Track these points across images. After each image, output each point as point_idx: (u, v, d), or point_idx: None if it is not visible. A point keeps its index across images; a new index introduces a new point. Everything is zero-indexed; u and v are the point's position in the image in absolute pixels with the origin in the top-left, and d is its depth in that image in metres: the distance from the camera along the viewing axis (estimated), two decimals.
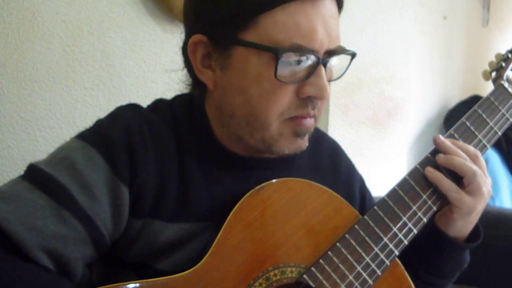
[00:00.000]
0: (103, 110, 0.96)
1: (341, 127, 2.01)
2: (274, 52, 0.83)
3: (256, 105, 0.87)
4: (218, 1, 0.87)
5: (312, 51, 0.84)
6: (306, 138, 0.92)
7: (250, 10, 0.84)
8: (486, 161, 2.32)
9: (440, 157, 0.98)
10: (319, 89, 0.86)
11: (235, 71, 0.87)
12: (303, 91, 0.86)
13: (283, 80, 0.84)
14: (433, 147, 1.00)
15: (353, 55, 0.92)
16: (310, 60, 0.85)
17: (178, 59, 0.98)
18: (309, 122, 0.90)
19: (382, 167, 2.13)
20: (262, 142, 0.90)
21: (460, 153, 0.97)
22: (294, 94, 0.87)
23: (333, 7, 0.88)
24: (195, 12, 0.91)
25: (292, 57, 0.84)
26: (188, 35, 0.92)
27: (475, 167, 0.96)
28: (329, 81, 0.90)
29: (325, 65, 0.86)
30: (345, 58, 0.92)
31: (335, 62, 0.90)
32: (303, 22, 0.83)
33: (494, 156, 2.45)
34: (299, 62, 0.85)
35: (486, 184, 0.97)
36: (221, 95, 0.92)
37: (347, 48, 0.91)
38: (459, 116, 1.05)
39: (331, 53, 0.87)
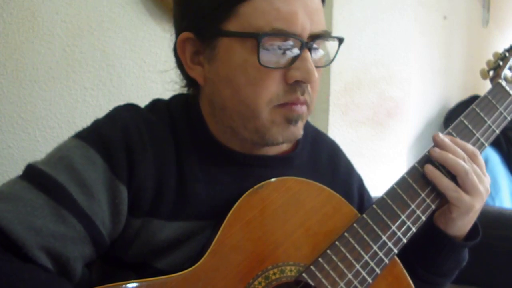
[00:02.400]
0: (103, 110, 0.96)
1: (341, 127, 2.01)
2: (255, 38, 0.84)
3: (244, 94, 0.88)
4: None
5: (294, 35, 0.85)
6: (300, 125, 0.92)
7: (230, 0, 0.85)
8: (486, 161, 2.33)
9: (435, 151, 0.98)
10: (305, 73, 0.86)
11: (221, 62, 0.89)
12: (289, 75, 0.87)
13: (268, 65, 0.85)
14: (432, 145, 1.00)
15: (340, 40, 0.93)
16: (294, 44, 0.86)
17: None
18: (300, 109, 0.90)
19: (382, 167, 2.13)
20: (255, 132, 0.90)
21: (459, 151, 0.97)
22: (281, 80, 0.87)
23: None
24: (181, 11, 0.94)
25: (275, 42, 0.85)
26: (176, 35, 0.94)
27: (467, 166, 0.96)
28: (318, 67, 0.90)
29: (310, 49, 0.87)
30: (333, 45, 0.93)
31: (325, 48, 0.91)
32: (282, 7, 0.84)
33: (494, 156, 2.45)
34: (283, 47, 0.86)
35: (483, 183, 0.97)
36: (211, 89, 0.93)
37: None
38: (459, 116, 1.05)
39: (315, 37, 0.88)
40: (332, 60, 0.95)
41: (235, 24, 0.86)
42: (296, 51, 0.86)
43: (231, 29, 0.86)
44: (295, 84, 0.87)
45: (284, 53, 0.86)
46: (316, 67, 0.89)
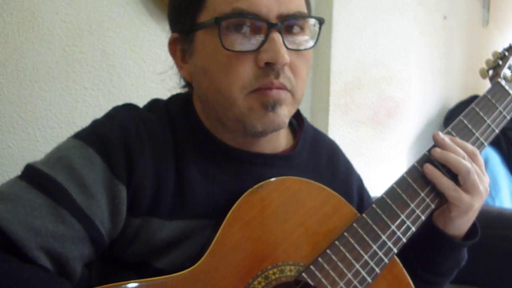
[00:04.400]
0: (103, 110, 0.96)
1: (341, 127, 2.01)
2: (216, 23, 0.84)
3: (218, 82, 0.88)
4: None
5: (257, 15, 0.84)
6: (280, 112, 0.89)
7: None
8: (486, 161, 2.33)
9: (436, 151, 0.98)
10: (273, 53, 0.84)
11: (197, 54, 0.90)
12: (259, 58, 0.86)
13: (233, 49, 0.85)
14: (432, 144, 1.00)
15: (320, 21, 0.91)
16: (262, 27, 0.85)
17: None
18: (276, 93, 0.87)
19: (382, 167, 2.13)
20: (236, 121, 0.90)
21: (459, 151, 0.97)
22: (253, 65, 0.86)
23: None
24: (169, 13, 0.97)
25: (238, 24, 0.85)
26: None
27: (469, 165, 0.96)
28: (299, 50, 0.89)
29: (279, 31, 0.85)
30: (315, 27, 0.91)
31: (306, 32, 0.90)
32: None
33: (494, 156, 2.45)
34: (248, 29, 0.85)
35: (483, 182, 0.97)
36: (196, 84, 0.94)
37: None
38: (459, 116, 1.05)
39: (285, 18, 0.86)
40: (315, 43, 0.92)
41: (206, 15, 0.87)
42: (263, 31, 0.85)
43: (202, 20, 0.88)
44: (267, 67, 0.86)
45: (251, 35, 0.85)
46: (296, 49, 0.88)
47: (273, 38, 0.85)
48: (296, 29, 0.89)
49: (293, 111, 0.93)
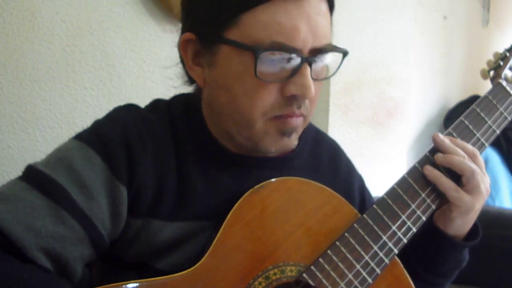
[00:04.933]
0: (103, 110, 0.96)
1: (341, 127, 2.01)
2: (253, 51, 0.83)
3: (240, 104, 0.87)
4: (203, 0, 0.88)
5: (294, 49, 0.83)
6: (294, 137, 0.92)
7: (232, 9, 0.84)
8: (486, 161, 2.32)
9: (439, 157, 0.98)
10: (302, 88, 0.85)
11: (220, 69, 0.88)
12: (286, 90, 0.86)
13: (264, 79, 0.84)
14: (432, 145, 1.00)
15: (344, 53, 0.91)
16: (294, 58, 0.85)
17: (178, 59, 0.98)
18: (295, 121, 0.89)
19: (382, 167, 2.13)
20: (249, 140, 0.90)
21: (459, 152, 0.97)
22: (278, 93, 0.86)
23: (320, 5, 0.86)
24: (185, 11, 0.93)
25: (274, 56, 0.84)
26: (181, 33, 0.93)
27: (473, 166, 0.96)
28: (320, 79, 0.90)
29: (310, 64, 0.85)
30: (338, 56, 0.91)
31: (327, 60, 0.90)
32: (284, 20, 0.82)
33: (494, 156, 2.45)
34: (281, 61, 0.84)
35: (484, 183, 0.97)
36: (209, 93, 0.93)
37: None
38: (459, 116, 1.05)
39: (317, 51, 0.86)
40: (335, 72, 0.93)
41: (236, 34, 0.85)
42: (295, 65, 0.85)
43: (231, 37, 0.85)
44: (292, 98, 0.87)
45: (282, 66, 0.85)
46: (316, 80, 0.88)
47: (303, 72, 0.85)
48: (320, 59, 0.89)
49: (301, 131, 0.95)
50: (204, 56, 0.90)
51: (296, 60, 0.85)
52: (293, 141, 0.92)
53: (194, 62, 0.92)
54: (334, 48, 0.89)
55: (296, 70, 0.85)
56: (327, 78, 0.93)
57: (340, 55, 0.91)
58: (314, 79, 0.87)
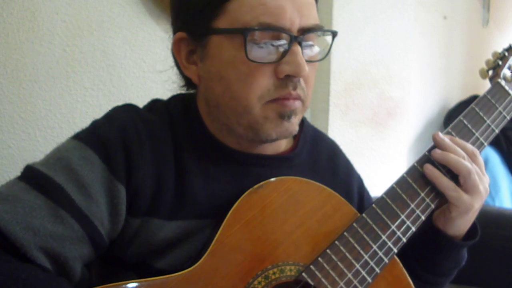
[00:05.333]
0: (103, 110, 0.96)
1: (341, 127, 2.01)
2: (242, 33, 0.84)
3: (235, 90, 0.88)
4: None
5: (282, 28, 0.85)
6: (294, 121, 0.91)
7: None
8: (486, 161, 2.32)
9: (437, 152, 0.98)
10: (294, 66, 0.86)
11: (212, 59, 0.89)
12: (279, 70, 0.87)
13: (256, 60, 0.85)
14: (431, 145, 1.00)
15: (333, 34, 0.92)
16: (284, 38, 0.86)
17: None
18: (292, 104, 0.89)
19: (382, 167, 2.13)
20: (249, 128, 0.91)
21: (459, 151, 0.97)
22: (272, 75, 0.87)
23: None
24: (174, 11, 0.95)
25: (263, 37, 0.85)
26: (173, 35, 0.95)
27: (470, 165, 0.96)
28: (312, 61, 0.90)
29: (300, 43, 0.86)
30: (328, 39, 0.93)
31: (318, 44, 0.91)
32: (269, 1, 0.84)
33: (494, 156, 2.45)
34: (271, 41, 0.86)
35: (483, 182, 0.97)
36: (205, 87, 0.93)
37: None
38: (459, 116, 1.05)
39: (305, 31, 0.87)
40: (327, 53, 0.94)
41: (224, 21, 0.86)
42: (285, 45, 0.86)
43: (220, 26, 0.87)
44: (286, 78, 0.87)
45: (273, 47, 0.86)
46: (310, 61, 0.89)
47: (294, 51, 0.86)
48: (310, 40, 0.90)
49: (301, 117, 0.96)
50: (197, 52, 0.91)
51: (286, 40, 0.86)
52: (293, 125, 0.92)
53: (188, 61, 0.93)
54: (323, 28, 0.90)
55: (287, 50, 0.86)
56: (320, 60, 0.93)
57: (330, 38, 0.93)
58: (307, 60, 0.88)
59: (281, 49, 0.86)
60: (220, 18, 0.87)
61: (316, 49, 0.92)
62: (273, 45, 0.86)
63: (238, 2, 0.85)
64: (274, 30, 0.85)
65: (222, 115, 0.93)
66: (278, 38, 0.86)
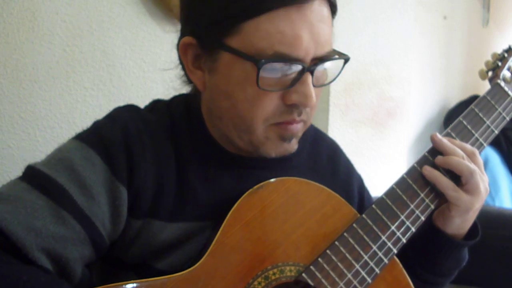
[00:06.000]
0: (103, 110, 0.96)
1: (341, 127, 2.01)
2: (255, 62, 0.82)
3: (241, 110, 0.87)
4: (204, 5, 0.86)
5: (297, 59, 0.83)
6: (294, 141, 0.92)
7: (234, 17, 0.83)
8: (486, 161, 2.32)
9: (439, 159, 0.98)
10: (303, 97, 0.85)
11: (221, 75, 0.87)
12: (288, 98, 0.85)
13: (266, 88, 0.84)
14: (431, 145, 1.00)
15: (345, 60, 0.90)
16: (296, 67, 0.84)
17: (177, 61, 0.98)
18: (295, 128, 0.90)
19: (382, 167, 2.13)
20: (249, 144, 0.91)
21: (458, 151, 0.97)
22: (279, 101, 0.86)
23: (323, 11, 0.85)
24: (185, 14, 0.92)
25: (276, 65, 0.83)
26: (181, 35, 0.92)
27: (472, 166, 0.96)
28: (321, 86, 0.89)
29: (312, 72, 0.85)
30: (339, 61, 0.90)
31: (328, 65, 0.89)
32: (286, 30, 0.81)
33: (494, 156, 2.45)
34: (284, 69, 0.84)
35: (483, 182, 0.97)
36: (209, 97, 0.92)
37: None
38: (459, 116, 1.05)
39: (319, 59, 0.85)
40: (335, 77, 0.92)
41: (238, 41, 0.83)
42: (297, 73, 0.84)
43: (233, 45, 0.84)
44: (293, 105, 0.86)
45: (284, 74, 0.84)
46: (317, 86, 0.87)
47: (305, 81, 0.84)
48: (321, 66, 0.88)
49: (300, 135, 0.95)
50: (204, 61, 0.89)
51: (297, 69, 0.84)
52: (293, 145, 0.92)
53: (194, 66, 0.91)
54: (334, 55, 0.88)
55: (298, 79, 0.84)
56: (327, 84, 0.92)
57: (341, 60, 0.91)
58: (315, 86, 0.86)
59: (291, 77, 0.85)
60: (234, 37, 0.83)
61: (323, 69, 0.90)
62: (283, 72, 0.84)
63: (255, 25, 0.82)
64: (289, 62, 0.83)
65: (224, 127, 0.92)
66: (291, 66, 0.84)
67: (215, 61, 0.87)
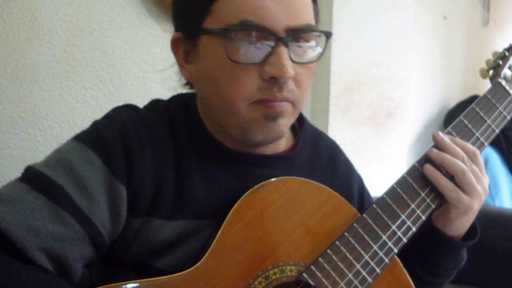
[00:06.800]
0: (103, 110, 0.96)
1: (341, 127, 2.01)
2: (221, 33, 0.83)
3: (222, 90, 0.87)
4: None
5: (264, 28, 0.83)
6: (281, 122, 0.89)
7: None
8: (486, 161, 2.32)
9: (433, 152, 0.98)
10: (278, 69, 0.84)
11: (202, 59, 0.89)
12: (264, 71, 0.85)
13: (238, 60, 0.84)
14: (432, 144, 1.00)
15: (327, 35, 0.90)
16: (269, 39, 0.84)
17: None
18: (278, 106, 0.88)
19: (382, 167, 2.13)
20: (237, 129, 0.90)
21: (458, 151, 0.97)
22: (258, 77, 0.86)
23: None
24: (173, 11, 0.95)
25: (245, 36, 0.84)
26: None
27: (464, 166, 0.95)
28: (303, 62, 0.88)
29: (285, 44, 0.84)
30: (322, 40, 0.90)
31: (311, 43, 0.88)
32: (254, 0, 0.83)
33: (494, 156, 2.45)
34: (255, 41, 0.84)
35: (482, 183, 0.97)
36: (199, 86, 0.94)
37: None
38: (459, 116, 1.05)
39: (294, 31, 0.85)
40: (321, 55, 0.91)
41: (211, 22, 0.86)
42: (270, 45, 0.84)
43: (208, 27, 0.86)
44: (272, 80, 0.85)
45: (258, 48, 0.84)
46: (298, 62, 0.87)
47: (279, 52, 0.84)
48: (302, 41, 0.88)
49: (293, 120, 0.94)
50: (191, 51, 0.91)
51: (271, 41, 0.84)
52: (280, 126, 0.90)
53: (186, 61, 0.93)
54: (314, 29, 0.88)
55: (272, 51, 0.84)
56: (311, 62, 0.90)
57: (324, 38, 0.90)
58: (295, 62, 0.86)
59: (266, 50, 0.85)
60: (208, 19, 0.86)
61: (312, 50, 0.89)
62: (257, 46, 0.84)
63: (225, 1, 0.84)
64: (256, 29, 0.83)
65: (214, 115, 0.93)
66: (266, 39, 0.84)
67: (196, 47, 0.89)
